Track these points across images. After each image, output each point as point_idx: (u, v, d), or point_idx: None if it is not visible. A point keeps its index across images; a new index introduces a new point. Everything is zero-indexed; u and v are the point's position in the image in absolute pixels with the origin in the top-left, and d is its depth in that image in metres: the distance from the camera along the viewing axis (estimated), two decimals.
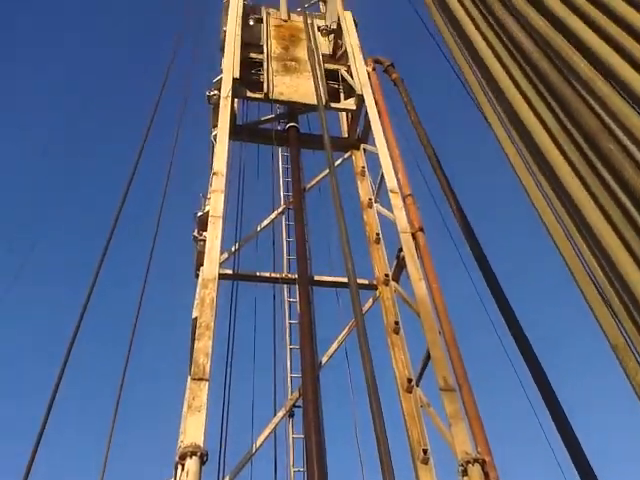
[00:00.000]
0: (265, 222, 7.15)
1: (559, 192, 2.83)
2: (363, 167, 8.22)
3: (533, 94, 3.02)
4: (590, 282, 2.72)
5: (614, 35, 2.43)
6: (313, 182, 7.92)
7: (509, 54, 3.25)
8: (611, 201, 2.46)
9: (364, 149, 8.35)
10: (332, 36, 9.48)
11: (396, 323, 6.12)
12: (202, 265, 5.79)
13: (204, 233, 6.04)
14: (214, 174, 6.45)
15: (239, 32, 8.35)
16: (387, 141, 7.74)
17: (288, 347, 6.44)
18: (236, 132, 7.68)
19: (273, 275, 6.75)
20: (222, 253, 6.06)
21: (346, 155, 8.50)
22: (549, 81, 2.81)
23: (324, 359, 6.00)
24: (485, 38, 3.49)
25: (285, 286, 6.83)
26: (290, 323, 6.64)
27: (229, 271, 6.33)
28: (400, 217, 6.62)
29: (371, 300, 6.62)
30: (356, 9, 9.57)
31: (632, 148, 2.32)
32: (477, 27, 3.47)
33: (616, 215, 2.43)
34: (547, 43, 2.78)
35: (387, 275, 6.62)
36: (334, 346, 6.13)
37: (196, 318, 5.20)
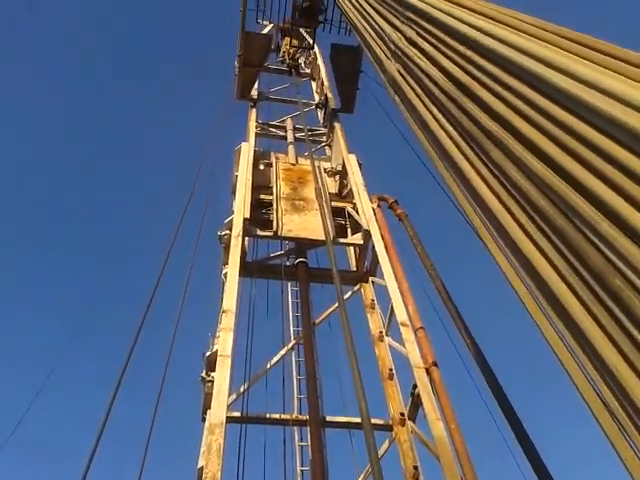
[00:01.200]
0: (275, 359, 7.01)
1: (572, 329, 2.78)
2: (372, 300, 8.22)
3: (535, 231, 3.07)
4: (612, 422, 2.59)
5: (613, 177, 2.51)
6: (323, 316, 7.88)
7: (508, 193, 3.35)
8: (625, 338, 2.41)
9: (373, 282, 8.41)
10: (338, 176, 9.97)
11: (415, 468, 5.73)
12: (209, 408, 5.59)
13: (212, 374, 5.89)
14: (224, 312, 6.44)
15: (250, 176, 8.82)
16: (395, 274, 7.81)
17: None
18: (246, 269, 7.81)
19: (283, 417, 6.47)
20: (230, 394, 5.88)
21: (355, 288, 8.55)
22: (551, 221, 2.87)
23: None
24: (484, 179, 3.63)
25: (296, 428, 6.52)
26: (302, 470, 6.25)
27: (237, 414, 6.10)
28: (413, 351, 6.48)
29: (387, 442, 6.26)
30: (360, 150, 10.16)
31: None
32: (477, 171, 3.62)
33: (632, 353, 2.36)
34: (546, 185, 2.87)
35: (402, 414, 6.32)
36: None
37: (202, 468, 4.91)
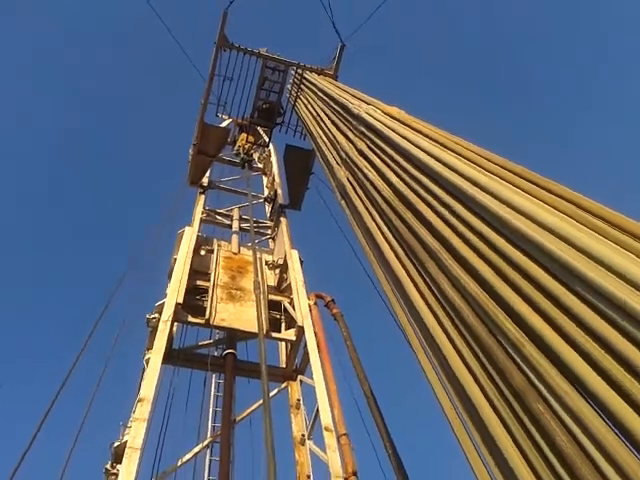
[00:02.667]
0: (187, 456, 6.57)
1: (492, 448, 2.78)
2: (298, 400, 8.01)
3: (463, 346, 3.14)
4: None
5: (538, 301, 2.63)
6: (244, 414, 7.56)
7: (441, 307, 3.45)
8: (542, 462, 2.43)
9: (301, 381, 8.23)
10: (278, 270, 10.00)
11: None
12: None
13: (118, 466, 5.46)
14: (139, 401, 6.07)
15: (189, 261, 8.70)
16: (325, 374, 7.68)
17: None
18: (171, 356, 7.50)
19: None
20: None
21: (282, 385, 8.33)
22: (479, 338, 2.95)
23: None
24: (419, 291, 3.74)
25: None
26: None
27: None
28: (333, 459, 6.25)
29: None
30: (303, 247, 10.30)
31: (560, 411, 2.36)
32: (413, 282, 3.73)
33: (547, 477, 2.38)
34: (477, 304, 2.99)
35: None
36: None
37: None
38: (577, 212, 2.69)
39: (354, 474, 6.16)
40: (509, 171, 3.26)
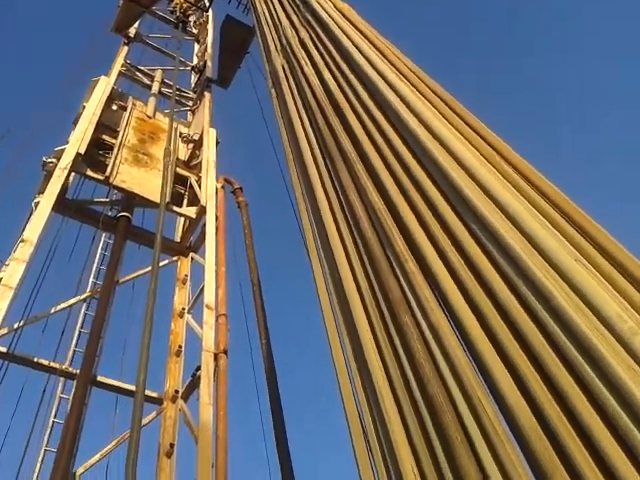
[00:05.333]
0: (62, 305, 6.54)
1: (357, 353, 2.99)
2: (186, 275, 8.11)
3: (354, 253, 3.30)
4: (365, 450, 2.79)
5: (429, 222, 2.79)
6: (128, 277, 7.55)
7: (343, 213, 3.57)
8: (399, 374, 2.66)
9: (192, 258, 8.30)
10: (191, 145, 9.69)
11: (171, 445, 5.74)
12: None
13: None
14: (22, 241, 5.87)
15: (98, 112, 8.18)
16: (217, 256, 7.79)
17: (43, 448, 5.66)
18: (62, 205, 7.22)
19: (52, 365, 6.06)
20: (1, 327, 5.38)
21: (173, 258, 8.36)
22: (369, 247, 3.11)
23: (80, 470, 5.34)
24: (327, 193, 3.82)
25: (62, 379, 6.15)
26: (54, 422, 5.90)
27: (3, 349, 5.60)
28: (208, 335, 6.49)
29: (154, 413, 6.18)
30: (222, 127, 9.99)
31: (423, 324, 2.59)
32: (322, 183, 3.79)
33: (401, 390, 2.61)
34: (376, 217, 3.11)
35: (177, 392, 6.30)
36: (96, 457, 5.51)
37: None
38: (489, 151, 2.82)
39: (224, 352, 6.46)
40: (439, 98, 3.31)
